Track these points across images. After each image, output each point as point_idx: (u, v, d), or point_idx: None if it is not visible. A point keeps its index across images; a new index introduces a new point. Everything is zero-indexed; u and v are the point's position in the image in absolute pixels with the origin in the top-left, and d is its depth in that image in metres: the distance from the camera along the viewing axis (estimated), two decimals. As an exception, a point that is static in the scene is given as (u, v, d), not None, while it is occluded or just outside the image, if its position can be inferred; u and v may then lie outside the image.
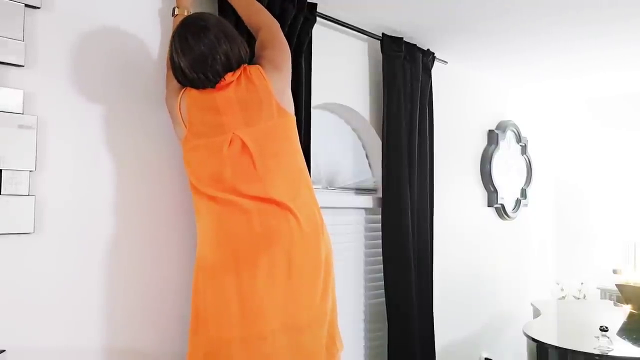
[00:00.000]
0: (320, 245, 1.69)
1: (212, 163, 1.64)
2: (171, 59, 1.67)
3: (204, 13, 1.73)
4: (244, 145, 1.63)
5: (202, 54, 1.60)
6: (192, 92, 1.67)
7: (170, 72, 1.72)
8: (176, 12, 1.84)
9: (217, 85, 1.64)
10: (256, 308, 1.58)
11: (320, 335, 1.69)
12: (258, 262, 1.59)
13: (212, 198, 1.63)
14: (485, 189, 3.70)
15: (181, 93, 1.68)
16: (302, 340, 1.64)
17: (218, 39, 1.61)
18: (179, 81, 1.69)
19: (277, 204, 1.62)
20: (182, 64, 1.63)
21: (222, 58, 1.61)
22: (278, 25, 1.87)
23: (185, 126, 1.66)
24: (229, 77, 1.64)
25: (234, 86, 1.65)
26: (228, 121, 1.64)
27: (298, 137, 1.78)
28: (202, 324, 1.64)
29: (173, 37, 1.66)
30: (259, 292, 1.58)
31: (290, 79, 1.80)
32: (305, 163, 1.80)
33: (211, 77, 1.63)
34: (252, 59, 1.75)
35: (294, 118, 1.75)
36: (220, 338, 1.60)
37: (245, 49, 1.70)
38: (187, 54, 1.61)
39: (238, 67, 1.66)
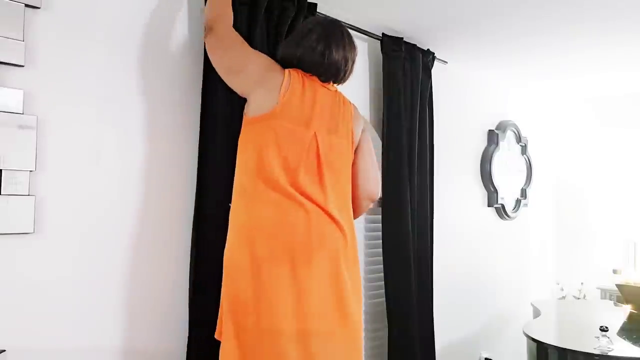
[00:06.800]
0: (357, 261, 1.79)
1: (291, 150, 1.67)
2: (312, 48, 1.75)
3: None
4: (317, 149, 1.70)
5: (338, 62, 1.78)
6: (300, 77, 1.73)
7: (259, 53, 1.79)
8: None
9: (326, 83, 1.80)
10: (310, 304, 1.60)
11: (361, 346, 1.75)
12: (312, 262, 1.62)
13: (277, 187, 1.63)
14: (485, 189, 3.70)
15: (287, 70, 1.73)
16: (344, 348, 1.67)
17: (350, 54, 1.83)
18: (305, 63, 1.76)
19: (330, 215, 1.68)
20: (326, 57, 1.75)
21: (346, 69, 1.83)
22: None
23: (279, 101, 1.67)
24: (331, 85, 1.83)
25: (332, 95, 1.81)
26: (316, 119, 1.73)
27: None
28: (249, 313, 1.58)
29: (325, 28, 1.77)
30: (313, 290, 1.61)
31: None
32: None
33: (331, 77, 1.80)
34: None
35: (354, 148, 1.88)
36: (272, 330, 1.56)
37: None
38: (333, 53, 1.76)
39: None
